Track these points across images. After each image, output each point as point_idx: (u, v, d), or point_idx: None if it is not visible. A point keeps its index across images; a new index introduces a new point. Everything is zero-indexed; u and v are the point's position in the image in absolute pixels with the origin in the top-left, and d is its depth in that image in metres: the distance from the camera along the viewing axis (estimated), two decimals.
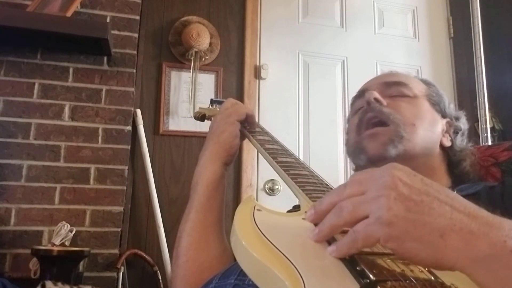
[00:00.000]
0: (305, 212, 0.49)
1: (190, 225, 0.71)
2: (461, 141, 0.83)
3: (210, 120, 1.06)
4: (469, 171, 0.81)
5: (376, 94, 0.78)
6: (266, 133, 0.82)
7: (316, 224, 0.47)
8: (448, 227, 0.36)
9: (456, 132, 0.83)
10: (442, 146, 0.80)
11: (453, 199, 0.39)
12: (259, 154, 0.81)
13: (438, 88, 0.87)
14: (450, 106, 0.85)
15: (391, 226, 0.37)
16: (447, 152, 0.81)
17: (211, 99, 1.04)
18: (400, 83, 0.81)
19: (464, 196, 0.66)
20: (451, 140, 0.82)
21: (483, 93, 2.04)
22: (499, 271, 0.34)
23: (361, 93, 0.84)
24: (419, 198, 0.38)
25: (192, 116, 1.91)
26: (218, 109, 1.01)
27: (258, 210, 0.47)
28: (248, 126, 0.82)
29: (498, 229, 0.36)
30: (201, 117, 1.01)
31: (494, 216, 0.38)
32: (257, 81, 2.10)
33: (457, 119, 0.84)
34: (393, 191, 0.38)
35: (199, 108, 1.04)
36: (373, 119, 0.77)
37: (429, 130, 0.77)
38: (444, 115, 0.83)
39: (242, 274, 0.42)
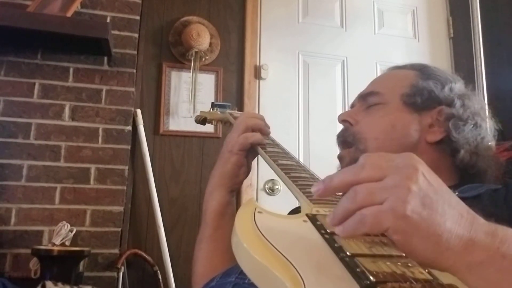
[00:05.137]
0: (306, 214, 0.49)
1: (203, 254, 0.76)
2: (460, 127, 0.73)
3: (211, 123, 1.07)
4: (470, 162, 0.73)
5: (344, 116, 0.82)
6: (267, 137, 0.83)
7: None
8: (454, 231, 0.37)
9: (448, 120, 0.73)
10: (431, 143, 0.73)
11: (459, 204, 0.40)
12: (259, 155, 0.81)
13: (432, 70, 0.80)
14: (446, 89, 0.76)
15: (404, 220, 0.37)
16: (444, 146, 0.74)
17: (212, 103, 1.05)
18: (372, 93, 0.80)
19: (465, 198, 0.66)
20: (445, 131, 0.73)
21: (483, 93, 2.05)
22: (491, 276, 0.36)
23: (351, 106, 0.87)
24: (435, 197, 0.38)
25: (192, 117, 1.92)
26: (219, 112, 1.02)
27: (259, 212, 0.47)
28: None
29: (493, 236, 0.37)
30: (202, 120, 1.02)
31: (489, 224, 0.39)
32: (257, 81, 2.10)
33: (449, 104, 0.75)
34: (414, 184, 0.38)
35: (200, 111, 1.05)
36: (341, 141, 0.82)
37: (397, 138, 0.74)
38: (430, 106, 0.75)
39: (243, 273, 0.42)
